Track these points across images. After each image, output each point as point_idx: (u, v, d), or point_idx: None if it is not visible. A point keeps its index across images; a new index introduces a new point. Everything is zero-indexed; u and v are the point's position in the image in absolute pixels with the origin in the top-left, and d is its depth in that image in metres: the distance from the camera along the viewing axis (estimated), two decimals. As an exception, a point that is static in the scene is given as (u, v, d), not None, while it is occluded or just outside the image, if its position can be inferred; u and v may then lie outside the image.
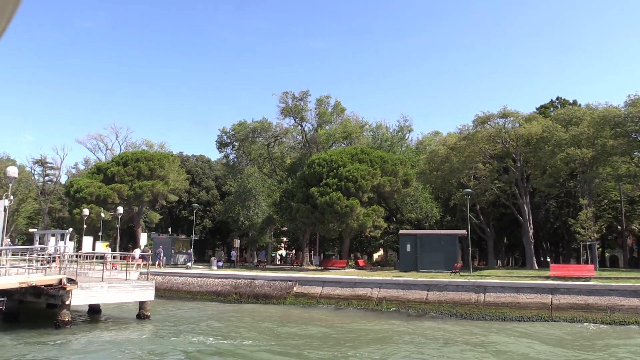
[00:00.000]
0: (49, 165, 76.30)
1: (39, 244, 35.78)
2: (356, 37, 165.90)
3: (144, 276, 35.37)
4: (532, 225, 44.51)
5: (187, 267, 42.57)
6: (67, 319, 19.54)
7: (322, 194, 41.53)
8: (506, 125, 44.47)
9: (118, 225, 43.58)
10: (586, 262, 41.47)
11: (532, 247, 44.35)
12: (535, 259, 45.81)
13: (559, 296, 24.16)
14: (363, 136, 56.56)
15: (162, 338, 18.18)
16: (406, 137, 60.72)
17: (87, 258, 29.30)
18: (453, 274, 32.85)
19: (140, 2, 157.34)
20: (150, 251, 45.29)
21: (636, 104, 38.17)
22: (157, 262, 43.69)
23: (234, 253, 57.32)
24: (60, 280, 19.51)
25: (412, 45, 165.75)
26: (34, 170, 76.64)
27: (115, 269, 29.26)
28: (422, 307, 26.07)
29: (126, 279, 22.24)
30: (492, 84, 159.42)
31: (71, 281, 19.70)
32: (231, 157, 63.05)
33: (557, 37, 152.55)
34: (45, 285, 19.44)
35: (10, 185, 21.63)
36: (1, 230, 16.43)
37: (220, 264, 47.46)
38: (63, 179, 76.06)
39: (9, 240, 69.99)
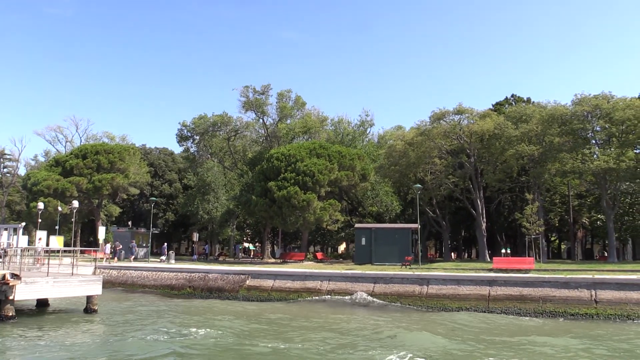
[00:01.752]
0: (7, 157, 74.80)
1: (-8, 238, 35.36)
2: (324, 31, 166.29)
3: (99, 270, 35.58)
4: (485, 219, 45.92)
5: (163, 262, 42.63)
6: (10, 314, 19.66)
7: (280, 188, 42.08)
8: (461, 122, 45.64)
9: (74, 219, 43.27)
10: (544, 255, 43.07)
11: (485, 240, 45.74)
12: (490, 252, 47.30)
13: (497, 288, 25.28)
14: (324, 130, 57.22)
15: (103, 331, 18.53)
16: (367, 132, 61.66)
17: (42, 253, 29.32)
18: (403, 266, 33.88)
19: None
20: (120, 246, 45.42)
21: (582, 103, 39.75)
22: (115, 257, 43.78)
23: (207, 247, 57.52)
24: (4, 276, 19.60)
25: (378, 40, 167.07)
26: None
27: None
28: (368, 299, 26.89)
29: (72, 274, 22.36)
30: (455, 79, 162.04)
31: (15, 276, 19.80)
32: (192, 150, 63.05)
33: (519, 33, 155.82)
34: (-14, 281, 19.49)
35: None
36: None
37: (164, 258, 47.25)
38: (22, 171, 74.73)
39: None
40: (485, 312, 24.04)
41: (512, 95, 56.64)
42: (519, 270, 28.45)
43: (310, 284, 29.29)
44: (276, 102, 55.49)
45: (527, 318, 22.78)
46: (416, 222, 40.03)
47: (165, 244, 52.85)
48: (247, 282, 31.06)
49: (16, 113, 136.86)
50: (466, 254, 72.53)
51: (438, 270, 30.36)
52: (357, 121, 61.12)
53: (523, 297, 24.47)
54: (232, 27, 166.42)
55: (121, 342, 16.38)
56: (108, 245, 44.02)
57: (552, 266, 32.41)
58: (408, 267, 33.30)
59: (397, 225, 43.84)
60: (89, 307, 22.59)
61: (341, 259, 53.32)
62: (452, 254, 73.80)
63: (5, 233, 35.55)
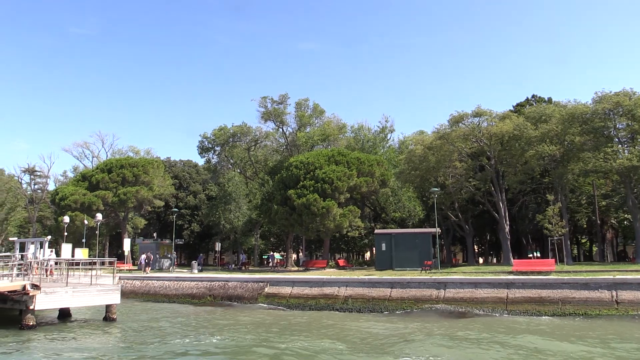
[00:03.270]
0: (38, 173, 77.05)
1: (20, 252, 36.39)
2: (341, 40, 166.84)
3: (123, 280, 36.30)
4: (508, 222, 45.23)
5: (200, 272, 43.30)
6: (31, 323, 20.26)
7: (299, 196, 42.29)
8: (480, 124, 45.18)
9: (97, 232, 44.28)
10: (568, 257, 42.09)
11: (509, 243, 45.03)
12: (516, 255, 46.52)
13: (515, 290, 24.89)
14: (343, 137, 57.36)
15: (119, 340, 18.92)
16: (388, 138, 61.55)
17: (70, 264, 30.09)
18: (423, 271, 33.61)
19: (131, 7, 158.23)
20: (152, 257, 46.30)
21: (603, 101, 38.94)
22: (149, 267, 44.42)
23: (244, 256, 58.00)
24: (24, 287, 20.22)
25: (397, 46, 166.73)
26: (21, 179, 77.32)
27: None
28: (385, 304, 26.80)
29: (91, 284, 22.91)
30: (476, 82, 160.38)
31: (35, 287, 20.40)
32: (213, 161, 63.92)
33: (536, 33, 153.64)
34: (8, 292, 20.16)
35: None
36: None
37: (200, 267, 48.12)
38: (51, 187, 76.80)
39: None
40: (502, 314, 23.70)
41: (533, 96, 55.85)
42: (539, 273, 27.93)
43: (327, 290, 29.32)
44: (294, 111, 56.00)
45: (546, 319, 22.38)
46: (437, 227, 39.76)
47: (201, 254, 53.50)
48: (266, 289, 31.28)
49: (45, 131, 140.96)
50: (495, 259, 71.49)
51: (457, 274, 30.00)
52: (377, 127, 61.14)
53: (542, 300, 24.04)
54: (250, 40, 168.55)
55: (135, 350, 16.71)
56: (143, 256, 44.75)
57: (574, 268, 31.71)
58: (427, 271, 33.03)
59: (417, 230, 43.51)
60: (108, 316, 23.11)
61: (366, 266, 53.23)
62: (480, 258, 72.95)
63: (32, 247, 36.57)
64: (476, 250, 69.99)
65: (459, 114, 45.77)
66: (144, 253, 46.98)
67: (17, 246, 38.65)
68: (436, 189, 38.46)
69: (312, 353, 15.61)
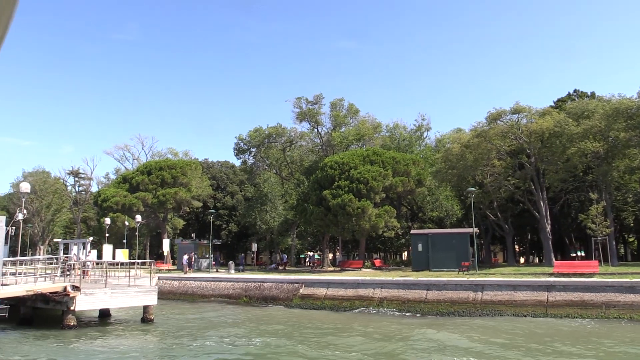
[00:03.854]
0: (82, 175, 79.38)
1: (63, 252, 37.64)
2: (376, 38, 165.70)
3: (162, 281, 36.97)
4: (549, 221, 43.95)
5: (241, 272, 43.89)
6: (72, 323, 20.83)
7: (334, 196, 42.17)
8: (519, 121, 44.04)
9: (137, 233, 45.25)
10: (613, 258, 40.55)
11: (551, 243, 43.75)
12: (559, 255, 45.18)
13: (555, 293, 24.12)
14: (378, 137, 56.89)
15: (155, 340, 19.24)
16: (424, 136, 60.72)
17: (110, 265, 30.91)
18: (460, 272, 32.98)
19: (167, 12, 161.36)
20: (195, 257, 47.13)
21: (649, 95, 37.37)
22: (191, 267, 45.05)
23: (285, 256, 58.42)
24: (65, 288, 20.80)
25: (431, 43, 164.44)
26: (66, 182, 79.84)
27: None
28: (420, 306, 26.40)
29: (129, 285, 23.39)
30: (515, 78, 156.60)
31: (75, 288, 20.96)
32: (249, 162, 64.44)
33: (577, 25, 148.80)
34: (50, 293, 20.78)
35: (24, 200, 23.14)
36: (2, 244, 17.69)
37: (242, 267, 48.74)
38: (94, 189, 79.03)
39: (41, 249, 73.27)
40: (541, 317, 23.01)
41: (575, 91, 54.09)
42: (581, 275, 27.01)
43: (362, 291, 29.09)
44: (329, 111, 55.86)
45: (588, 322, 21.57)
46: (475, 226, 38.99)
47: (242, 255, 54.05)
48: (301, 290, 31.28)
49: (89, 134, 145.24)
50: (537, 258, 69.68)
51: (495, 275, 29.31)
52: (413, 126, 60.40)
53: (584, 303, 23.21)
54: (286, 41, 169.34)
55: (171, 352, 16.93)
56: (185, 257, 45.49)
57: (619, 269, 30.50)
58: (465, 273, 32.38)
59: (454, 230, 42.75)
60: (145, 317, 23.55)
61: (403, 266, 52.71)
62: (521, 258, 71.19)
63: (75, 247, 37.70)
64: (517, 250, 68.36)
65: (497, 111, 44.74)
66: (184, 253, 47.71)
67: (62, 247, 39.92)
68: (473, 189, 37.68)
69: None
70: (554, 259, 42.90)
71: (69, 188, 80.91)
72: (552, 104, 52.93)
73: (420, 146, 60.07)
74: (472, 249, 40.78)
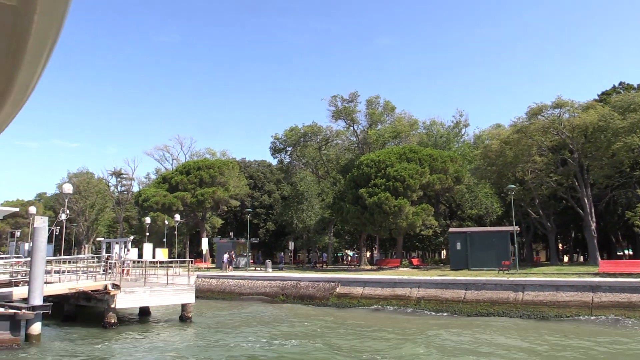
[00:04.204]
0: (124, 176, 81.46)
1: (105, 251, 38.65)
2: (411, 34, 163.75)
3: (200, 279, 37.52)
4: (594, 219, 42.50)
5: (282, 270, 44.29)
6: (113, 321, 21.29)
7: (370, 195, 41.92)
8: (561, 116, 42.73)
9: (176, 232, 46.05)
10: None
11: (595, 241, 42.28)
12: (605, 253, 43.63)
13: (601, 294, 23.23)
14: (415, 134, 56.27)
15: (192, 339, 19.49)
16: (462, 133, 59.70)
17: (150, 264, 31.65)
18: (500, 271, 32.22)
19: (207, 12, 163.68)
20: (235, 257, 47.82)
21: (701, 86, 35.59)
22: (231, 266, 45.48)
23: (325, 255, 58.66)
24: (105, 286, 21.29)
25: (469, 38, 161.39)
26: (109, 182, 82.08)
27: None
28: (459, 306, 25.90)
29: (167, 284, 23.77)
30: (556, 72, 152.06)
31: (115, 286, 21.42)
32: (286, 161, 64.74)
33: (622, 15, 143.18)
34: (92, 291, 21.31)
35: (66, 200, 23.83)
36: (45, 243, 18.25)
37: (282, 265, 49.10)
38: (136, 189, 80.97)
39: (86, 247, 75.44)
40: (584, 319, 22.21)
41: (620, 84, 52.06)
42: (629, 275, 25.98)
43: (399, 291, 28.77)
44: (365, 109, 55.57)
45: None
46: (516, 224, 38.06)
47: (282, 253, 54.46)
48: (337, 289, 31.18)
49: (131, 135, 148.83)
50: (581, 257, 67.57)
51: (537, 275, 28.51)
52: (450, 122, 59.48)
53: (632, 305, 22.27)
54: (323, 39, 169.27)
55: (208, 349, 17.09)
56: (225, 255, 46.08)
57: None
58: (505, 272, 31.61)
59: (494, 228, 41.85)
60: (184, 315, 23.88)
61: (442, 265, 52.00)
62: (565, 257, 69.16)
63: (117, 246, 38.64)
64: (560, 249, 66.47)
65: (538, 105, 43.49)
66: (224, 252, 48.30)
67: (104, 246, 40.99)
68: (513, 186, 36.78)
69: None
70: (599, 258, 41.46)
71: (112, 188, 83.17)
72: (596, 97, 51.13)
73: (458, 143, 59.15)
74: (512, 247, 39.83)
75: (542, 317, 23.26)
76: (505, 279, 26.67)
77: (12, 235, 53.94)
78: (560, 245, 66.37)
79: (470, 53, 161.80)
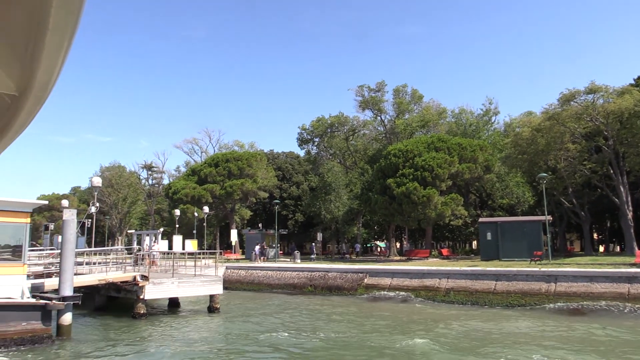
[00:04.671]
0: (154, 169, 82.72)
1: (137, 243, 39.28)
2: (437, 22, 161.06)
3: (229, 270, 37.81)
4: (631, 208, 41.17)
5: (313, 261, 44.52)
6: (142, 312, 21.60)
7: (398, 185, 41.54)
8: (595, 101, 41.40)
9: (205, 224, 46.49)
10: None
11: (632, 231, 40.98)
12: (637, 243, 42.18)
13: (637, 285, 22.43)
14: (443, 123, 55.43)
15: (219, 329, 19.62)
16: (492, 121, 58.52)
17: (180, 255, 32.09)
18: (532, 262, 31.53)
19: (232, 5, 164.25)
20: (266, 248, 48.17)
21: None
22: (259, 258, 45.68)
23: (358, 245, 58.54)
24: (134, 277, 21.60)
25: (498, 25, 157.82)
26: (140, 175, 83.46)
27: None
28: (489, 297, 25.43)
29: (195, 275, 23.98)
30: (589, 56, 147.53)
31: (144, 278, 21.71)
32: (313, 152, 64.61)
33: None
34: (121, 282, 21.65)
35: (95, 193, 24.22)
36: (75, 235, 18.55)
37: (314, 256, 49.15)
38: (166, 182, 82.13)
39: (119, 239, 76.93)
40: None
41: (659, 67, 50.09)
42: (668, 264, 25.07)
43: (428, 281, 28.42)
44: (392, 98, 54.97)
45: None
46: (549, 214, 37.20)
47: (313, 244, 54.60)
48: (365, 280, 31.02)
49: (161, 129, 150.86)
50: (618, 247, 65.75)
51: (570, 265, 27.76)
52: (480, 110, 58.36)
53: (671, 295, 21.47)
54: (349, 29, 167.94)
55: (235, 341, 17.15)
56: (257, 247, 46.35)
57: None
58: (537, 262, 30.90)
59: (525, 218, 40.98)
60: (212, 306, 24.08)
61: (472, 255, 51.33)
62: (600, 246, 67.39)
63: (147, 238, 39.24)
64: (595, 238, 64.81)
65: (570, 91, 42.23)
66: (253, 243, 48.58)
67: (135, 238, 41.68)
68: (545, 174, 35.86)
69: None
70: (636, 248, 40.21)
71: (143, 181, 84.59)
72: (632, 82, 49.32)
73: (488, 131, 58.03)
74: (545, 237, 38.94)
75: (575, 309, 22.62)
76: (537, 269, 26.05)
77: (47, 228, 55.44)
78: (595, 235, 64.72)
79: (500, 40, 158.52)
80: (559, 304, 23.22)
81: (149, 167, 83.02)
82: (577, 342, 15.80)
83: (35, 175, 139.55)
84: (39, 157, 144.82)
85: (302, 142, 62.53)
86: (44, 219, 77.19)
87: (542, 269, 25.88)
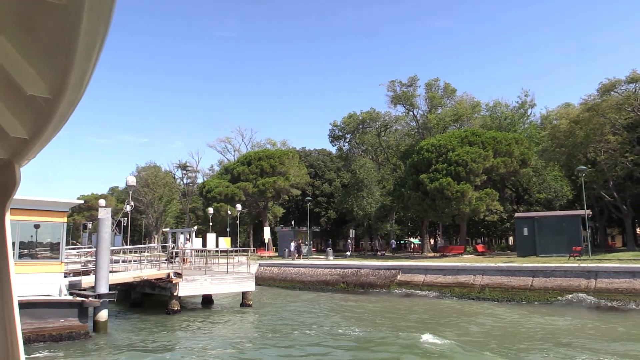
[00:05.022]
0: (189, 168, 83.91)
1: (172, 241, 39.91)
2: (471, 14, 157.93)
3: (262, 267, 37.99)
4: (676, 201, 39.61)
5: (347, 257, 44.61)
6: (176, 308, 21.88)
7: (431, 180, 40.97)
8: (637, 91, 39.96)
9: (238, 222, 46.86)
10: None
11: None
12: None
13: (683, 281, 21.55)
14: (477, 117, 54.33)
15: (255, 326, 19.68)
16: (528, 113, 57.08)
17: (213, 252, 32.44)
18: (571, 258, 30.63)
19: (263, 6, 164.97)
20: (303, 245, 48.41)
21: None
22: (295, 255, 45.72)
23: (393, 242, 58.11)
24: (168, 275, 21.89)
25: (532, 14, 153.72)
26: (175, 174, 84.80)
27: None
28: (526, 294, 24.81)
29: (227, 272, 24.15)
30: (629, 47, 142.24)
31: (177, 275, 21.98)
32: (345, 149, 64.31)
33: None
34: (155, 279, 21.96)
35: (130, 192, 24.67)
36: (109, 233, 18.90)
37: (349, 253, 49.07)
38: (200, 181, 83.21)
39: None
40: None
41: None
42: None
43: (462, 278, 27.93)
44: (425, 93, 54.17)
45: None
46: (589, 208, 36.07)
47: (348, 241, 54.49)
48: (398, 277, 30.70)
49: (195, 129, 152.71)
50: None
51: (611, 261, 26.85)
52: (515, 103, 56.96)
53: None
54: (379, 24, 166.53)
55: (268, 338, 17.17)
56: (292, 244, 46.45)
57: None
58: (576, 258, 30.01)
59: (563, 212, 39.82)
60: (244, 303, 24.27)
61: (508, 251, 50.23)
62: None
63: (181, 236, 39.79)
64: (638, 233, 62.54)
65: (610, 81, 40.88)
66: (286, 241, 48.68)
67: (170, 236, 42.32)
68: (584, 167, 34.78)
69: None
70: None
71: (178, 180, 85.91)
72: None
73: (524, 124, 56.62)
74: (584, 233, 37.78)
75: (617, 306, 21.85)
76: (576, 265, 25.30)
77: (85, 227, 56.92)
78: (638, 230, 62.48)
79: (536, 31, 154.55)
80: (600, 300, 22.48)
81: (183, 167, 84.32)
82: (623, 340, 15.22)
83: (77, 176, 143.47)
84: (79, 159, 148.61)
85: (333, 138, 62.35)
86: (84, 218, 79.25)
87: (582, 265, 25.11)
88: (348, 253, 48.04)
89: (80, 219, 79.65)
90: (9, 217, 1.90)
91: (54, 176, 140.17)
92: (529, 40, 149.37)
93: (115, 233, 39.23)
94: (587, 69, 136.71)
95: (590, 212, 38.03)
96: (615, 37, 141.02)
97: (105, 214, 18.36)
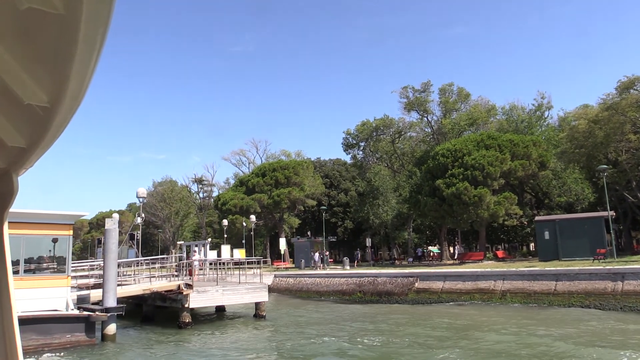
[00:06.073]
0: (204, 182, 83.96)
1: (186, 254, 39.59)
2: (483, 20, 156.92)
3: (278, 278, 37.43)
4: None
5: (346, 267, 44.03)
6: (187, 320, 21.37)
7: (448, 185, 40.16)
8: (658, 88, 38.83)
9: (252, 233, 46.44)
10: None
11: None
12: None
13: None
14: (493, 120, 53.37)
15: (265, 336, 19.09)
16: (545, 116, 55.93)
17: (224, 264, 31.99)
18: (595, 260, 29.55)
19: (278, 19, 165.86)
20: (325, 256, 47.98)
21: None
22: (319, 265, 45.26)
23: (420, 250, 57.02)
24: (179, 286, 21.42)
25: (548, 16, 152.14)
26: (190, 188, 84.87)
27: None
28: (549, 298, 23.87)
29: (239, 283, 23.63)
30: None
31: (188, 286, 21.50)
32: (359, 157, 63.65)
33: None
34: (165, 291, 21.51)
35: (140, 204, 24.36)
36: (117, 244, 18.54)
37: (372, 262, 48.31)
38: (216, 194, 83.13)
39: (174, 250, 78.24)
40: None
41: None
42: None
43: (482, 284, 27.06)
44: (438, 98, 53.44)
45: None
46: (612, 210, 34.90)
47: (370, 249, 53.81)
48: (416, 284, 29.89)
49: (211, 143, 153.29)
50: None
51: (638, 263, 25.77)
52: (532, 106, 55.88)
53: None
54: (392, 32, 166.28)
55: (283, 349, 16.57)
56: (316, 255, 46.06)
57: None
58: (600, 261, 28.93)
59: (585, 214, 38.62)
60: (257, 313, 23.69)
61: (530, 257, 48.98)
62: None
63: (196, 249, 39.49)
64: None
65: (629, 78, 39.80)
66: (302, 252, 48.24)
67: (185, 249, 42.05)
68: (605, 166, 33.73)
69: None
70: None
71: (194, 195, 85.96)
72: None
73: (542, 127, 55.47)
74: (608, 235, 36.60)
75: (646, 309, 20.84)
76: (601, 267, 24.29)
77: (100, 242, 56.84)
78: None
79: (551, 32, 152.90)
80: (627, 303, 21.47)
81: (199, 181, 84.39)
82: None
83: (97, 193, 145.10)
84: (100, 176, 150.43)
85: (347, 146, 61.75)
86: (99, 233, 79.64)
87: (607, 267, 24.10)
88: (372, 262, 47.19)
89: (96, 235, 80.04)
90: (7, 227, 1.87)
91: (81, 198, 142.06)
92: (544, 43, 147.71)
93: (131, 246, 39.02)
94: (604, 70, 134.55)
95: (614, 214, 36.81)
96: (630, 37, 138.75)
97: (111, 225, 18.01)
